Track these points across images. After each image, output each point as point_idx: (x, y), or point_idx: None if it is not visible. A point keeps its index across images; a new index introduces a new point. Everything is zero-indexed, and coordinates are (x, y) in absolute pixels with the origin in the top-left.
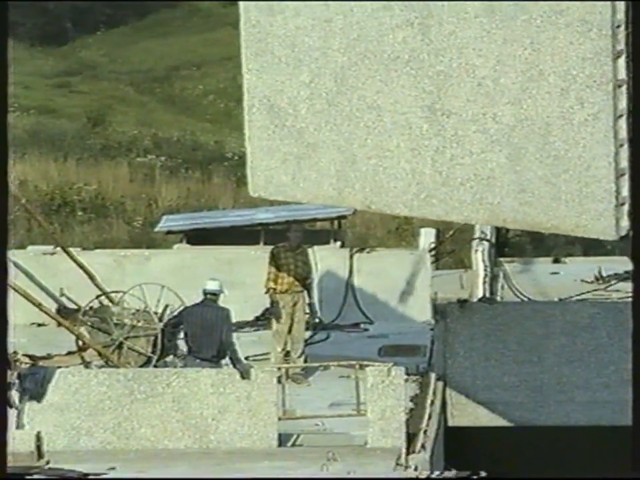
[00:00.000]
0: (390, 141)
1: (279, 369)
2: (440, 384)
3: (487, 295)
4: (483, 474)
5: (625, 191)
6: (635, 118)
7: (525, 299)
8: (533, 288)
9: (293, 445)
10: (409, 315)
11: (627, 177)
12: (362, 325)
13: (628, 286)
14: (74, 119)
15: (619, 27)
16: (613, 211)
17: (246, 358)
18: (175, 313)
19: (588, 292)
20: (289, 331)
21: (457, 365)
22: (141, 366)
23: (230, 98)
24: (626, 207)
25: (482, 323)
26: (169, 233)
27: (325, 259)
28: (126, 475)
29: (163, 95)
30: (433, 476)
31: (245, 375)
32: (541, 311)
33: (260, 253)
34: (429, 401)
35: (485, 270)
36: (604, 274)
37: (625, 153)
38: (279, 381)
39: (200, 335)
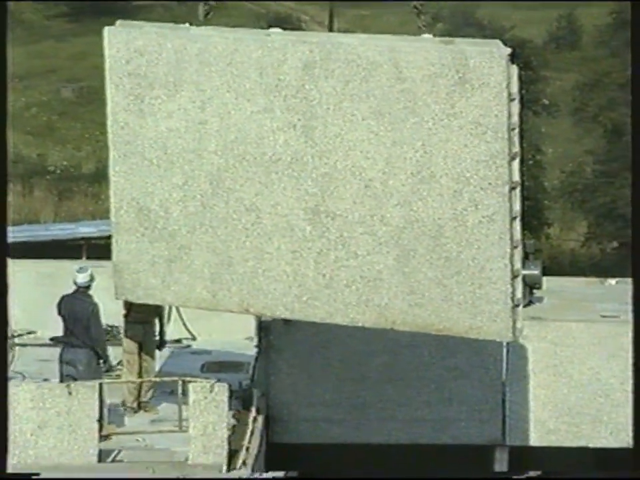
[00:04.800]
0: (270, 243)
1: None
2: (263, 400)
3: None
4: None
5: (519, 293)
6: (635, 119)
7: None
8: None
9: (113, 460)
10: (232, 331)
11: (519, 278)
12: (184, 341)
13: None
14: None
15: (514, 129)
16: (510, 312)
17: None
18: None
19: None
20: (139, 362)
21: (280, 381)
22: None
23: (53, 111)
24: (520, 308)
25: (305, 340)
26: None
27: None
28: None
29: None
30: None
31: (110, 369)
32: (364, 329)
33: None
34: (251, 418)
35: None
36: None
37: (519, 254)
38: (126, 406)
39: (70, 326)
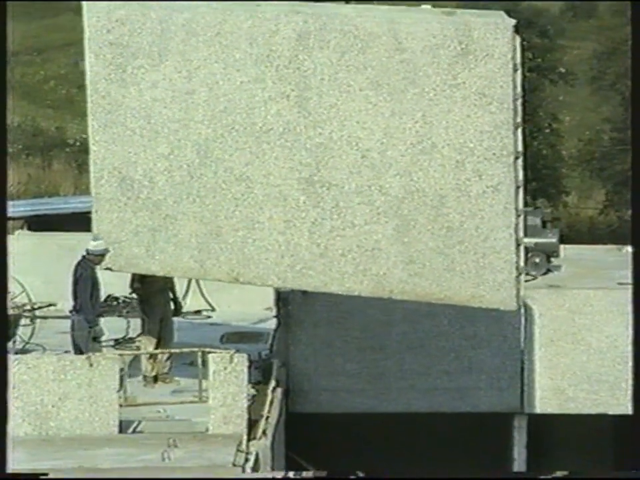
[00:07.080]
0: (261, 213)
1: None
2: (282, 370)
3: None
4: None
5: (522, 262)
6: (635, 117)
7: None
8: None
9: (134, 431)
10: (251, 302)
11: (522, 247)
12: (204, 312)
13: None
14: None
15: (517, 99)
16: (514, 281)
17: None
18: None
19: None
20: (159, 332)
21: (300, 351)
22: None
23: (71, 84)
24: (522, 277)
25: (324, 310)
26: (9, 219)
27: None
28: None
29: None
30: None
31: (98, 338)
32: (383, 299)
33: None
34: (270, 388)
35: None
36: None
37: (522, 223)
38: (149, 380)
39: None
